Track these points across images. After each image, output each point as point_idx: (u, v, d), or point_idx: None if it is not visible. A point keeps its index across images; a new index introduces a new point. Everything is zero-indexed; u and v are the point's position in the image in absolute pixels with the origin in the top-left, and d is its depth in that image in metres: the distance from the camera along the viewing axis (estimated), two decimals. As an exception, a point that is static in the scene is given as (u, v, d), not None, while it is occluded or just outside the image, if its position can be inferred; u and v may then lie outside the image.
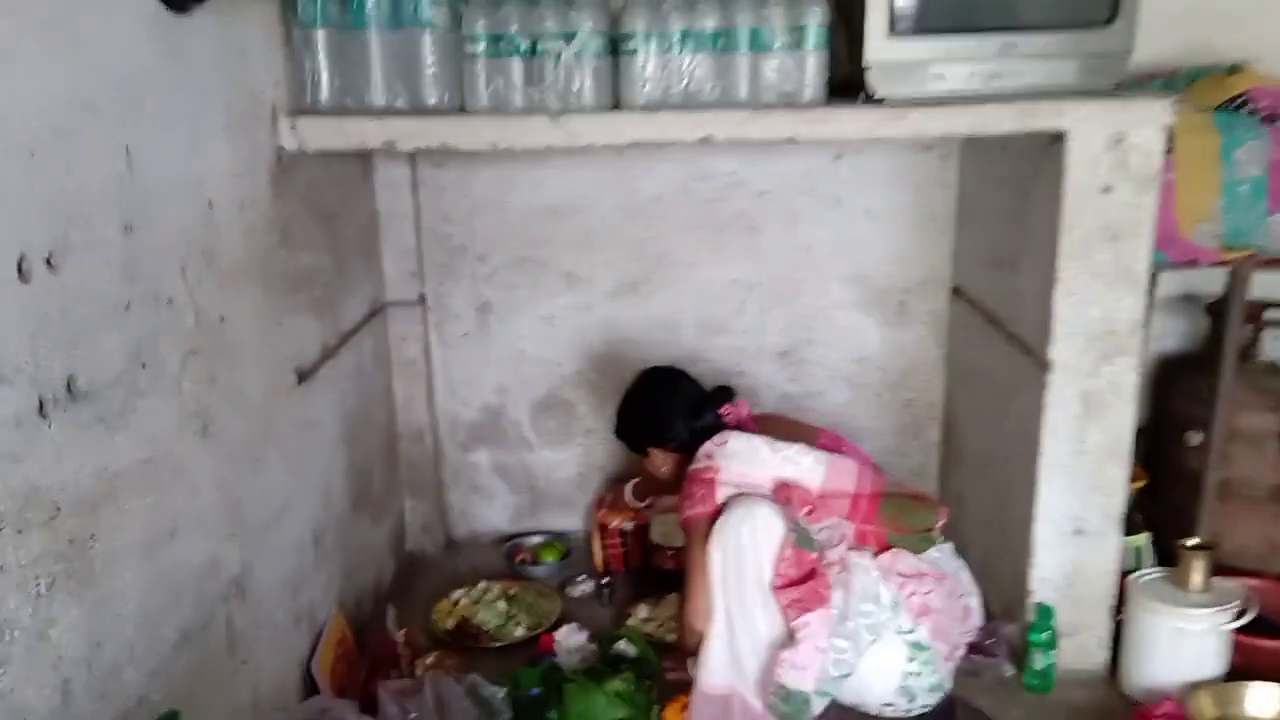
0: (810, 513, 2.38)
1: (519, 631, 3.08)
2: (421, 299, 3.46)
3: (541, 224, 3.43)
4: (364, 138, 2.50)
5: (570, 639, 2.95)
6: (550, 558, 3.45)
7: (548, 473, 3.64)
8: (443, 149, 2.54)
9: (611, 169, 3.36)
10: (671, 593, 3.19)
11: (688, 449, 2.56)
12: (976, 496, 3.19)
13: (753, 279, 3.45)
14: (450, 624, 3.13)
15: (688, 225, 3.42)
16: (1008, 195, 2.88)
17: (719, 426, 2.58)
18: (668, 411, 2.68)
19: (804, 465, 2.42)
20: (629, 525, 3.39)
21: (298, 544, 2.57)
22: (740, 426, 2.59)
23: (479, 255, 3.46)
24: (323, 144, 2.51)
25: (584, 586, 3.33)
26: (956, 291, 3.38)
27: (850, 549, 2.37)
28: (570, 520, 3.67)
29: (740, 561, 2.32)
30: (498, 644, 3.03)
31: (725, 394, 2.71)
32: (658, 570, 3.30)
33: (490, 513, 3.68)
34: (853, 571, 2.32)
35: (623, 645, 2.91)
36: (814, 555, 2.33)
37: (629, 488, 3.36)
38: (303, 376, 2.63)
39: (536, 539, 3.59)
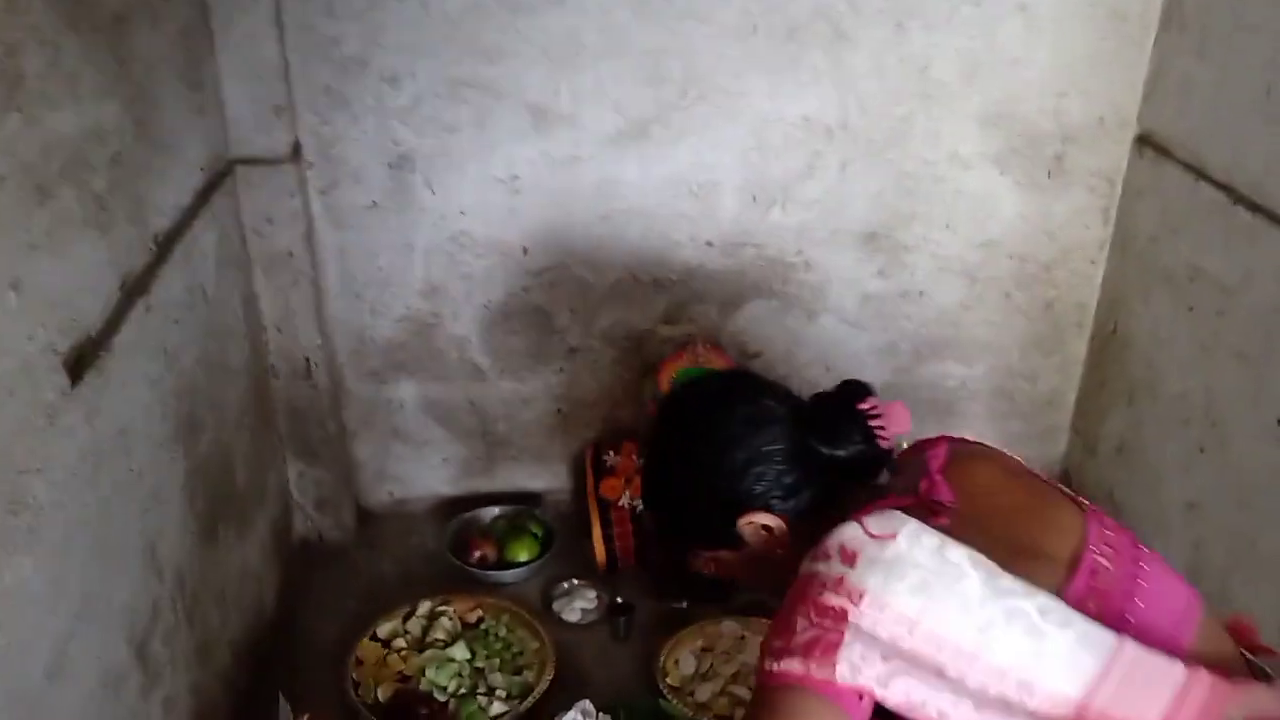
0: None
1: (495, 709, 1.94)
2: (295, 152, 2.07)
3: (494, 20, 2.04)
4: None
5: (583, 730, 1.85)
6: (523, 555, 2.28)
7: (509, 412, 2.40)
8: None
9: (617, -72, 1.98)
10: (723, 617, 2.09)
11: (800, 527, 1.26)
12: (1170, 458, 2.12)
13: (832, 118, 2.17)
14: (384, 694, 1.96)
15: (733, 29, 2.08)
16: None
17: (865, 475, 1.29)
18: (745, 466, 1.26)
19: (1055, 646, 1.07)
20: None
21: (99, 685, 1.33)
22: (921, 493, 1.20)
23: (389, 75, 2.06)
24: None
25: (581, 603, 2.19)
26: (1145, 141, 2.18)
27: None
28: (544, 478, 2.49)
29: None
30: (464, 736, 1.90)
31: (856, 392, 1.33)
32: (694, 573, 2.18)
33: (421, 471, 2.46)
34: None
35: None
36: None
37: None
38: (80, 364, 1.31)
39: (495, 514, 2.40)
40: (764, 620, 2.10)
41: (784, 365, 2.38)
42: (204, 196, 1.83)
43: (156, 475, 1.56)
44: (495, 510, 2.40)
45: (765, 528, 1.25)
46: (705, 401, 1.32)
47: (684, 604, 2.17)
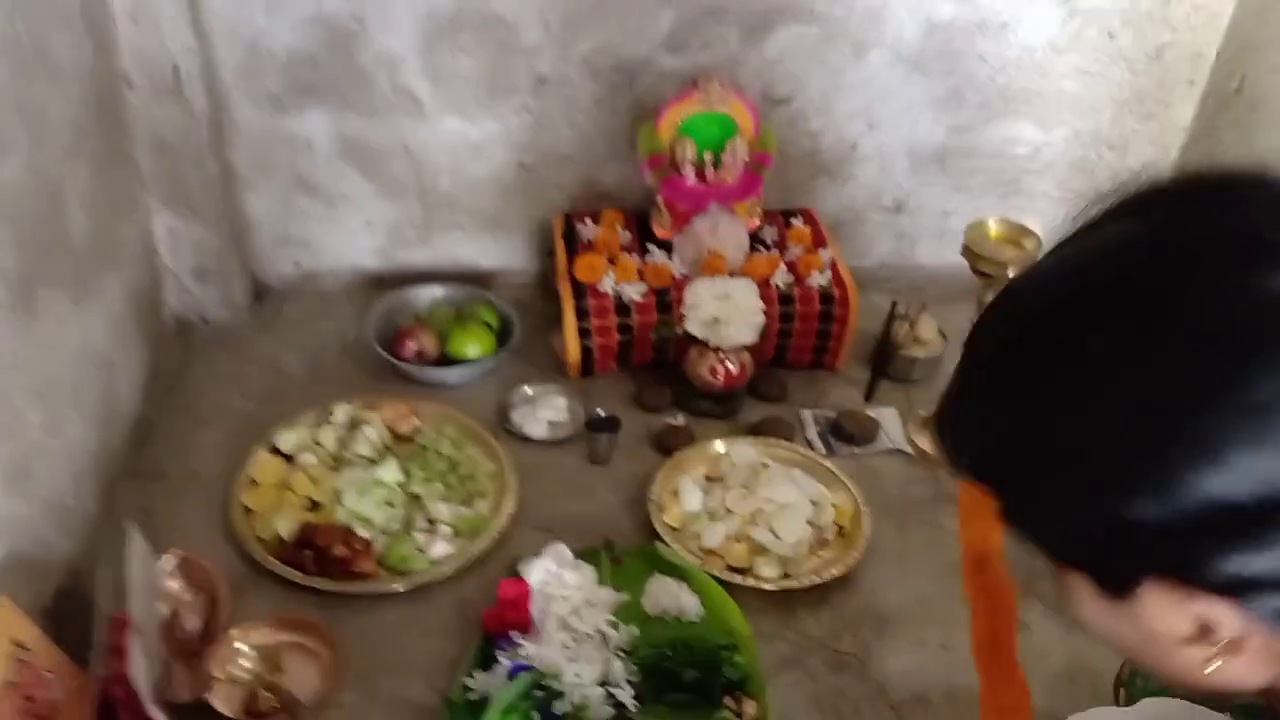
0: None
1: (437, 550, 1.46)
2: None
3: None
4: None
5: (558, 583, 1.38)
6: (473, 348, 1.75)
7: (455, 163, 1.82)
8: None
9: None
10: (733, 437, 1.63)
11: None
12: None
13: None
14: (287, 527, 1.46)
15: None
16: None
17: None
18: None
19: None
20: (635, 289, 1.71)
21: None
22: None
23: None
24: None
25: (548, 413, 1.69)
26: None
27: None
28: (498, 254, 1.93)
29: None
30: (397, 588, 1.42)
31: None
32: (689, 382, 1.69)
33: (337, 236, 1.88)
34: None
35: (676, 596, 1.38)
36: None
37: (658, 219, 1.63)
38: None
39: (435, 297, 1.85)
40: (785, 444, 1.63)
41: (818, 116, 1.82)
42: None
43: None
44: (436, 291, 1.85)
45: (1205, 626, 0.55)
46: (1196, 253, 0.53)
47: (679, 419, 1.69)
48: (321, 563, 1.42)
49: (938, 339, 1.81)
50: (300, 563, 1.42)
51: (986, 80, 1.82)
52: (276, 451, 1.58)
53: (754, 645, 1.35)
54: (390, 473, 1.54)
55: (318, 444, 1.59)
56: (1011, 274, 1.49)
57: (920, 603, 1.45)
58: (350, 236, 1.87)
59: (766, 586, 1.43)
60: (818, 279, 1.74)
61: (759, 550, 1.47)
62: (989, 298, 1.55)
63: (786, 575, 1.45)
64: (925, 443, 1.68)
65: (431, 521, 1.50)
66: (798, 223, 1.84)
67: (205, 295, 1.79)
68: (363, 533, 1.46)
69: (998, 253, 1.51)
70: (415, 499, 1.53)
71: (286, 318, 1.86)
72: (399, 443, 1.62)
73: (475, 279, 1.89)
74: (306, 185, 1.81)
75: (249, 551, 1.44)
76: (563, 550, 1.42)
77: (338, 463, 1.57)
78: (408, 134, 1.76)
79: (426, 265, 1.90)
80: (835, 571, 1.45)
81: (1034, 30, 1.78)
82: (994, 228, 1.54)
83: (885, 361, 1.65)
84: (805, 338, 1.76)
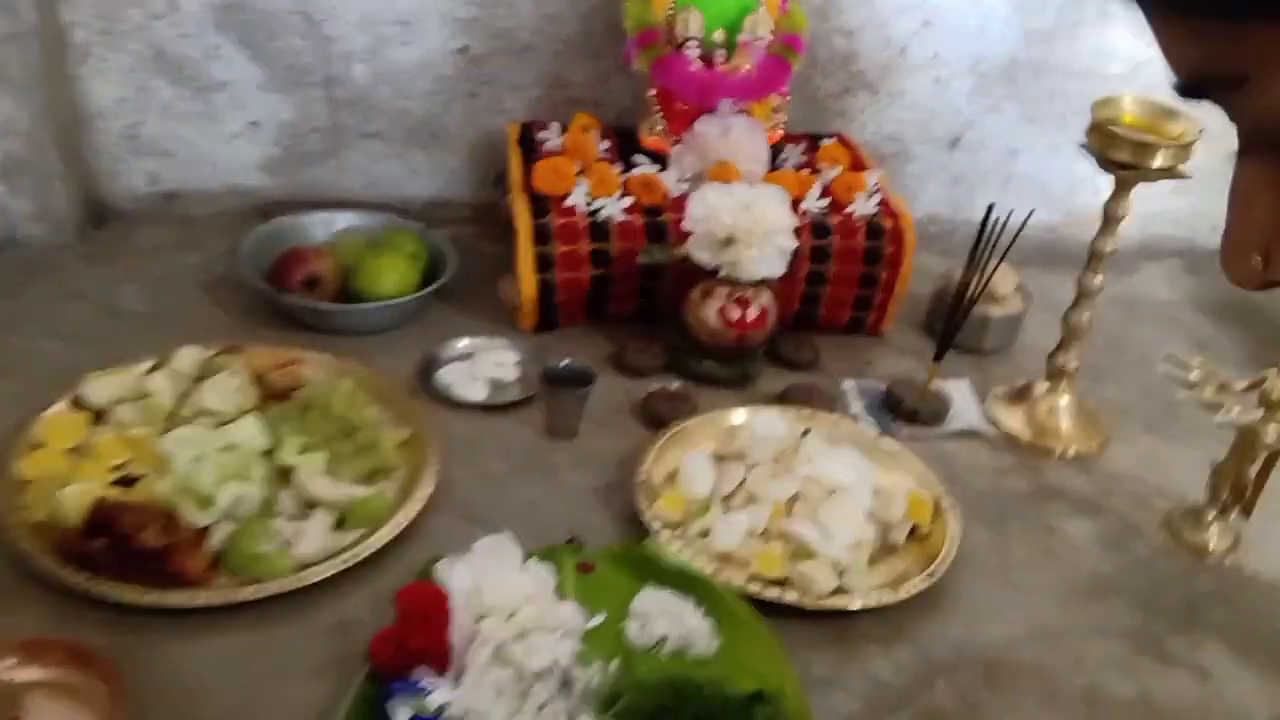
0: None
1: (309, 544, 0.94)
2: None
3: None
4: None
5: (495, 593, 0.87)
6: (389, 281, 1.25)
7: (377, 44, 1.35)
8: None
9: None
10: (751, 406, 1.15)
11: None
12: None
13: None
14: (73, 510, 0.94)
15: None
16: None
17: None
18: None
19: None
20: (617, 205, 1.23)
21: None
22: None
23: None
24: None
25: (491, 371, 1.19)
26: None
27: None
28: (432, 176, 1.46)
29: None
30: (241, 598, 0.90)
31: None
32: (688, 334, 1.21)
33: (210, 141, 1.39)
34: None
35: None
36: None
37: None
38: None
39: (342, 225, 1.36)
40: (827, 416, 1.15)
41: (858, 6, 1.39)
42: None
43: None
44: (343, 218, 1.36)
45: None
46: None
47: (676, 384, 1.21)
48: (122, 558, 0.90)
49: (1016, 296, 1.36)
50: (88, 557, 0.90)
51: (1077, -34, 1.41)
52: (82, 406, 1.07)
53: (801, 695, 0.85)
54: (248, 433, 1.03)
55: (145, 395, 1.08)
56: (1163, 163, 1.04)
57: (1043, 638, 0.96)
58: (227, 142, 1.38)
59: (815, 605, 0.93)
60: (862, 205, 1.28)
61: (801, 553, 0.97)
62: (1120, 215, 1.10)
63: (840, 591, 0.95)
64: (1017, 423, 1.21)
65: (307, 505, 0.99)
66: (829, 144, 1.39)
67: (18, 210, 1.29)
68: (194, 516, 0.95)
69: (1143, 134, 1.07)
70: (285, 473, 1.02)
71: (134, 247, 1.36)
72: (271, 401, 1.11)
73: (399, 210, 1.41)
74: (168, 64, 1.33)
75: (11, 540, 0.92)
76: (505, 544, 0.91)
77: (173, 422, 1.06)
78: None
79: (332, 190, 1.42)
80: (915, 588, 0.95)
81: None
82: (1129, 105, 1.10)
83: (961, 313, 1.19)
84: (844, 286, 1.29)
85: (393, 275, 1.25)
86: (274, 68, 1.34)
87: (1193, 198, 1.60)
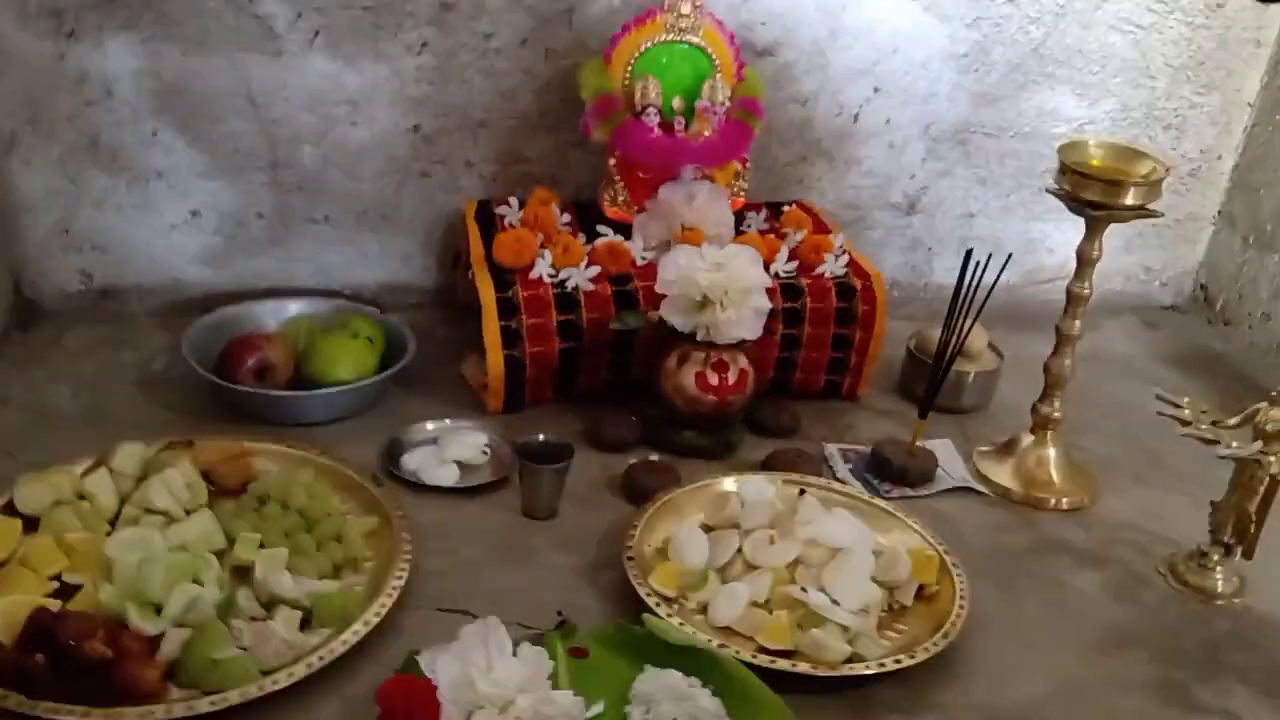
0: None
1: (275, 647, 0.85)
2: None
3: None
4: None
5: (485, 682, 0.79)
6: (346, 367, 1.19)
7: (323, 125, 1.31)
8: None
9: None
10: (737, 473, 1.10)
11: None
12: None
13: None
14: (5, 623, 0.84)
15: None
16: None
17: None
18: None
19: None
20: (584, 274, 1.19)
21: None
22: None
23: None
24: None
25: (459, 452, 1.13)
26: None
27: None
28: (385, 262, 1.40)
29: None
30: (199, 709, 0.80)
31: None
32: (666, 404, 1.16)
33: (148, 232, 1.33)
34: None
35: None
36: None
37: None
38: None
39: (293, 312, 1.29)
40: (816, 480, 1.10)
41: (811, 74, 1.40)
42: None
43: None
44: (294, 305, 1.29)
45: None
46: None
47: (654, 456, 1.15)
48: (63, 674, 0.80)
49: (990, 354, 1.34)
50: (24, 675, 0.80)
51: (1019, 32, 1.43)
52: (13, 513, 0.97)
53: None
54: (200, 530, 0.95)
55: (83, 498, 0.99)
56: (1134, 201, 1.04)
57: (1069, 695, 0.91)
58: (166, 234, 1.32)
59: (828, 674, 0.86)
60: (832, 266, 1.26)
61: (809, 620, 0.91)
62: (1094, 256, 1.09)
63: (854, 658, 0.89)
64: (1006, 477, 1.17)
65: (268, 604, 0.91)
66: (790, 209, 1.38)
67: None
68: (143, 624, 0.85)
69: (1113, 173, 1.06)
70: (243, 572, 0.93)
71: (65, 348, 1.27)
72: (222, 497, 1.03)
73: (351, 298, 1.35)
74: (102, 153, 1.27)
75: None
76: (492, 630, 0.83)
77: (117, 525, 0.97)
78: (254, 77, 1.26)
79: (279, 279, 1.36)
80: (931, 650, 0.90)
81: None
82: (1094, 148, 1.10)
83: (945, 368, 1.16)
84: (819, 349, 1.26)
85: (349, 359, 1.18)
86: (216, 153, 1.29)
87: (1143, 254, 1.62)
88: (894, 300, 1.47)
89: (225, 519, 0.98)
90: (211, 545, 0.95)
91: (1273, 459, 0.96)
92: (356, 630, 0.88)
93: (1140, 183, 1.05)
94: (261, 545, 0.95)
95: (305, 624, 0.90)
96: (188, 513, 0.98)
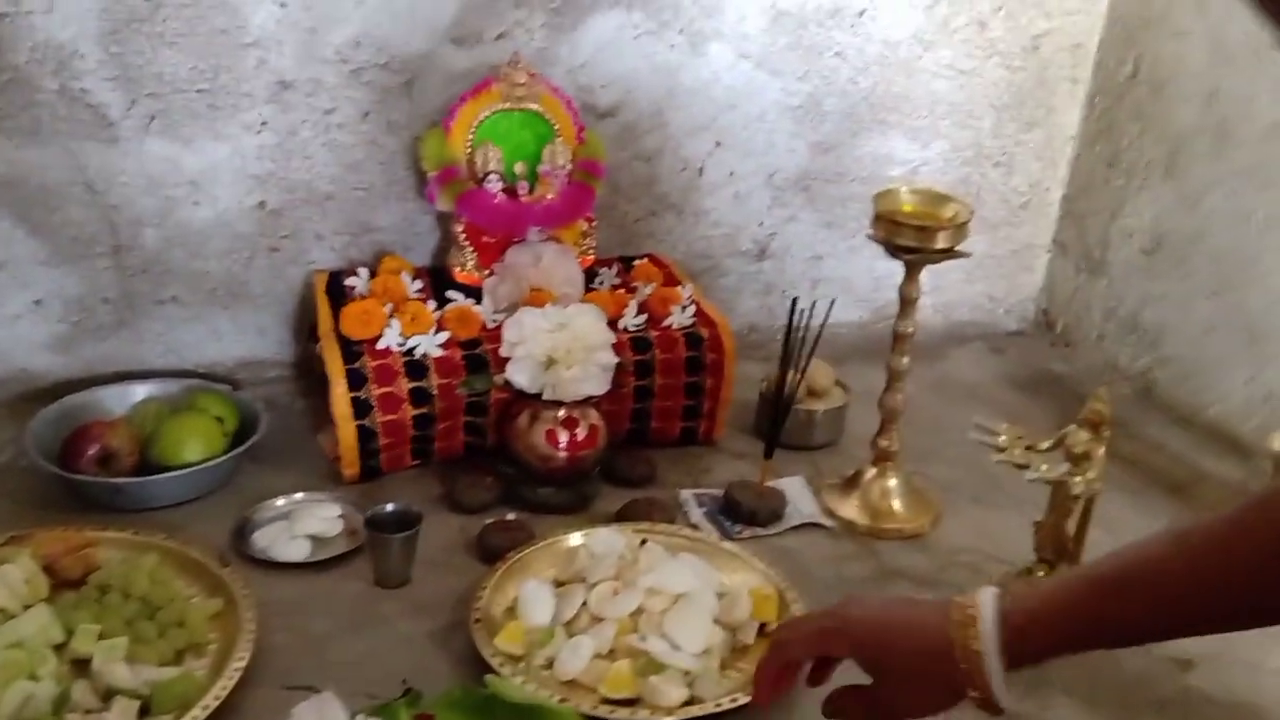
0: None
1: (107, 735, 0.85)
2: None
3: None
4: None
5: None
6: (194, 448, 1.18)
7: (164, 205, 1.31)
8: None
9: None
10: (586, 526, 1.12)
11: None
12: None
13: None
14: None
15: None
16: None
17: None
18: None
19: None
20: (432, 341, 1.21)
21: None
22: None
23: None
24: None
25: (311, 525, 1.13)
26: None
27: None
28: (236, 337, 1.40)
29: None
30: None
31: None
32: (520, 463, 1.18)
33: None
34: None
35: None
36: None
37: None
38: None
39: (140, 396, 1.28)
40: (666, 527, 1.13)
41: (653, 132, 1.45)
42: None
43: None
44: (141, 389, 1.29)
45: None
46: None
47: (512, 515, 1.17)
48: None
49: (836, 389, 1.39)
50: None
51: (848, 83, 1.50)
52: None
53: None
54: (37, 626, 0.94)
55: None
56: (944, 244, 1.10)
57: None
58: (11, 324, 1.30)
59: (667, 719, 0.89)
60: (679, 317, 1.30)
61: (649, 668, 0.93)
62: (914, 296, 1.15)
63: (692, 701, 0.91)
64: (852, 510, 1.22)
65: (107, 695, 0.90)
66: (641, 264, 1.42)
67: None
68: (-28, 727, 0.84)
69: (923, 218, 1.12)
70: (82, 665, 0.92)
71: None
72: (66, 590, 1.02)
73: (205, 376, 1.35)
74: (-61, 246, 1.26)
75: None
76: (326, 705, 0.84)
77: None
78: (91, 164, 1.26)
79: (129, 362, 1.35)
80: (772, 688, 0.92)
81: (896, 20, 1.49)
82: (906, 196, 1.16)
83: (784, 409, 1.20)
84: (671, 397, 1.30)
85: (196, 441, 1.18)
86: (56, 241, 1.28)
87: (985, 284, 1.70)
88: (751, 344, 1.52)
89: (66, 611, 0.97)
90: (49, 640, 0.94)
91: (1079, 480, 1.02)
92: (195, 716, 0.88)
93: (947, 226, 1.11)
94: (101, 636, 0.95)
95: (145, 712, 0.90)
96: (26, 608, 0.98)
